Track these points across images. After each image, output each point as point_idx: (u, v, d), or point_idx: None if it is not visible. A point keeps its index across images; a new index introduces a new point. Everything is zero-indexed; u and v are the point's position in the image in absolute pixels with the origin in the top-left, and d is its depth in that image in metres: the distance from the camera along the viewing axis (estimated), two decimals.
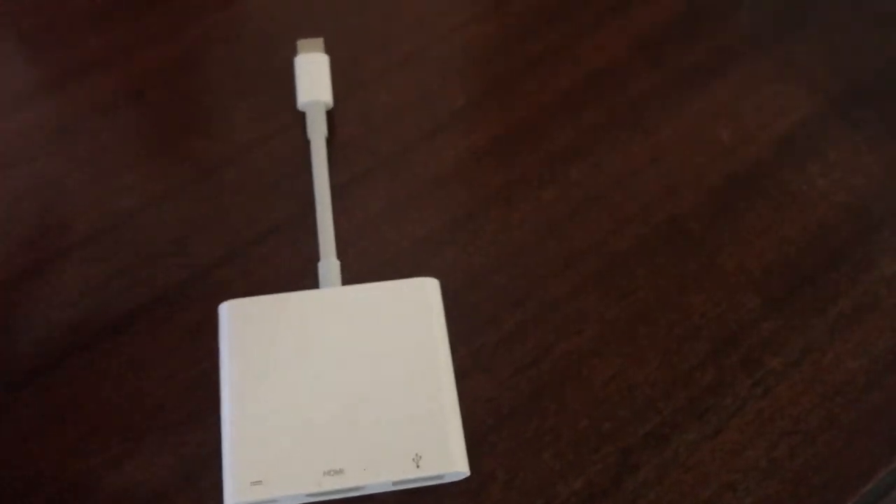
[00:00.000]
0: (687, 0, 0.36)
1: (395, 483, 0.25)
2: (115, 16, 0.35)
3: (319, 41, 0.33)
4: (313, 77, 0.32)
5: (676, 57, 0.34)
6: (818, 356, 0.28)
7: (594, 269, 0.30)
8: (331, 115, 0.33)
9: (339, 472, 0.24)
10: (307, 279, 0.29)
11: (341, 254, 0.30)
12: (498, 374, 0.28)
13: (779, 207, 0.31)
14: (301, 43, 0.33)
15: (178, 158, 0.31)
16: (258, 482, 0.24)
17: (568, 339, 0.29)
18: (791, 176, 0.32)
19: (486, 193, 0.31)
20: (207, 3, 0.35)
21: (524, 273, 0.30)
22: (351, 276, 0.29)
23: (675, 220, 0.31)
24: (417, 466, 0.24)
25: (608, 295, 0.29)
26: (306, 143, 0.32)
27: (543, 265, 0.30)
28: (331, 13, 0.35)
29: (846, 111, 0.33)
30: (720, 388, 0.28)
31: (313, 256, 0.29)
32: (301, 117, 0.32)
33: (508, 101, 0.33)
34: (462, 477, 0.25)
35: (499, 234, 0.30)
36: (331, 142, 0.32)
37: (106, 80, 0.33)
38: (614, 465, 0.27)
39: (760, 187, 0.32)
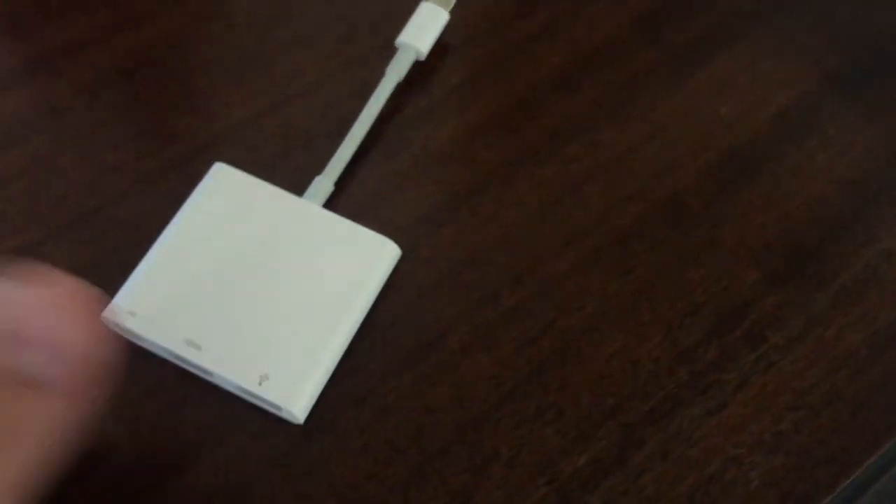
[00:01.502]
0: None
1: (238, 388, 0.26)
2: None
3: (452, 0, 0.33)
4: (425, 27, 0.33)
5: (673, 33, 0.34)
6: (821, 330, 0.28)
7: (594, 246, 0.29)
8: (324, 94, 0.32)
9: (197, 347, 0.26)
10: None
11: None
12: (499, 351, 0.28)
13: (778, 182, 0.31)
14: None
15: (169, 137, 0.31)
16: (132, 313, 0.26)
17: (569, 315, 0.28)
18: (790, 151, 0.32)
19: (485, 170, 0.31)
20: None
21: (524, 250, 0.29)
22: None
23: (674, 195, 0.31)
24: (259, 384, 0.25)
25: (609, 271, 0.29)
26: (374, 80, 0.32)
27: (543, 242, 0.30)
28: None
29: (843, 86, 0.33)
30: (723, 364, 0.28)
31: None
32: (298, 96, 0.32)
33: (505, 78, 0.33)
34: (296, 422, 0.26)
35: (498, 211, 0.30)
36: (325, 119, 0.31)
37: (95, 58, 0.32)
38: (618, 441, 0.26)
39: (760, 162, 0.31)
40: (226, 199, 0.28)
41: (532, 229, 0.30)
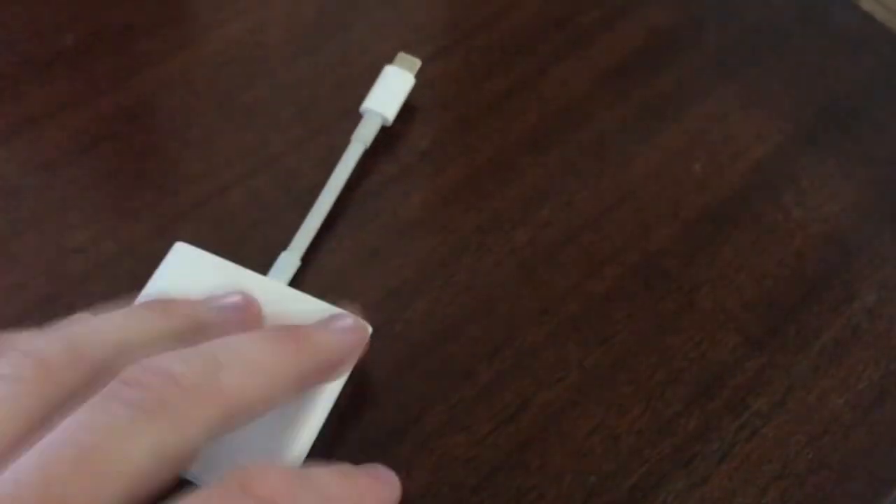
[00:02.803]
0: (648, 30, 0.35)
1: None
2: (58, 67, 0.33)
3: (417, 62, 0.33)
4: (391, 91, 0.32)
5: (641, 88, 0.34)
6: (803, 394, 0.28)
7: (571, 314, 0.29)
8: (288, 164, 0.31)
9: None
10: None
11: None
12: (476, 431, 0.27)
13: (756, 240, 0.30)
14: (400, 56, 0.33)
15: (130, 215, 0.30)
16: None
17: (548, 388, 0.28)
18: (766, 206, 0.31)
19: (457, 238, 0.30)
20: (155, 51, 0.34)
21: (500, 321, 0.29)
22: None
23: (650, 258, 0.30)
24: None
25: (587, 340, 0.28)
26: (340, 148, 0.31)
27: (519, 312, 0.29)
28: (286, 56, 0.34)
29: (815, 137, 0.33)
30: (706, 434, 0.27)
31: None
32: (262, 168, 0.31)
33: (474, 141, 0.32)
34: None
35: (472, 281, 0.29)
36: (291, 191, 0.31)
37: (51, 133, 0.31)
38: None
39: (736, 220, 0.31)
40: (188, 280, 0.27)
41: (507, 299, 0.29)
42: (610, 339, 0.28)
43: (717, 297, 0.29)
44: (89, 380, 0.20)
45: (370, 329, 0.26)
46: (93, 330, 0.22)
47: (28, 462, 0.17)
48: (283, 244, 0.29)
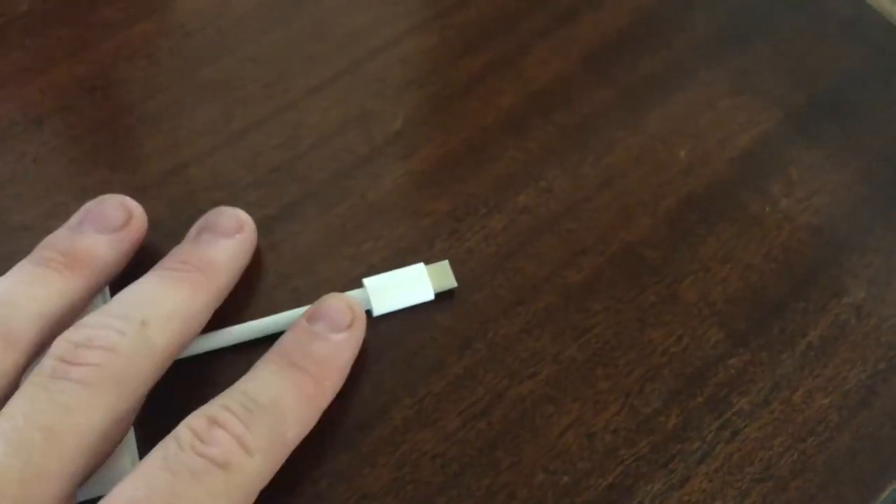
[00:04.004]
0: (635, 10, 0.34)
1: None
2: (11, 34, 0.31)
3: (449, 283, 0.27)
4: (399, 287, 0.27)
5: (626, 71, 0.32)
6: (788, 394, 0.27)
7: (547, 305, 0.27)
8: (253, 141, 0.30)
9: None
10: None
11: (273, 290, 0.27)
12: (445, 426, 0.25)
13: (741, 232, 0.29)
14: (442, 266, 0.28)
15: (82, 193, 0.28)
16: None
17: (520, 383, 0.26)
18: (753, 196, 0.30)
19: (429, 223, 0.29)
20: (115, 19, 0.32)
21: (471, 311, 0.27)
22: None
23: (631, 248, 0.29)
24: None
25: (563, 333, 0.27)
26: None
27: (492, 302, 0.27)
28: (254, 28, 0.32)
29: (805, 125, 0.32)
30: (686, 433, 0.26)
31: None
32: (224, 145, 0.29)
33: (449, 122, 0.31)
34: None
35: None
36: (255, 169, 0.29)
37: (2, 105, 0.30)
38: None
39: (721, 210, 0.29)
40: None
41: (480, 288, 0.28)
42: (587, 332, 0.27)
43: (700, 289, 0.28)
44: (27, 359, 0.22)
45: (252, 225, 0.26)
46: (13, 312, 0.22)
47: None
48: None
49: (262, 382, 0.23)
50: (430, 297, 0.27)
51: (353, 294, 0.26)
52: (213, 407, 0.21)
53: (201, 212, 0.28)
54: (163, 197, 0.28)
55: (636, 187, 0.30)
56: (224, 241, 0.25)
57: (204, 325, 0.24)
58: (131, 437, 0.24)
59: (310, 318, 0.25)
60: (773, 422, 0.26)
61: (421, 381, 0.26)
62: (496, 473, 0.25)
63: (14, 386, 0.21)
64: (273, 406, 0.22)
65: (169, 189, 0.28)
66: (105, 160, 0.29)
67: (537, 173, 0.30)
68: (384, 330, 0.27)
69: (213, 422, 0.21)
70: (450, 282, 0.27)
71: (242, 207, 0.28)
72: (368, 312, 0.26)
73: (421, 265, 0.27)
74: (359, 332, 0.25)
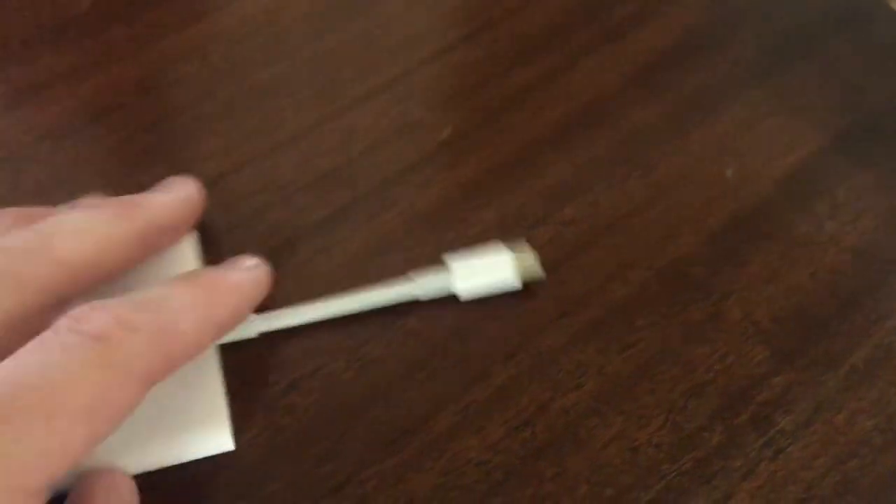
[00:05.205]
0: (683, 28, 0.34)
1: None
2: (71, 32, 0.32)
3: (535, 272, 0.28)
4: (483, 271, 0.27)
5: (674, 88, 0.32)
6: (831, 415, 0.27)
7: (592, 319, 0.28)
8: (304, 146, 0.30)
9: None
10: None
11: (323, 294, 0.27)
12: (490, 434, 0.26)
13: (786, 252, 0.29)
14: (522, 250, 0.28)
15: (139, 189, 0.29)
16: None
17: (565, 395, 0.26)
18: (798, 217, 0.30)
19: (476, 233, 0.29)
20: (171, 21, 0.32)
21: (517, 322, 0.27)
22: None
23: (677, 264, 0.29)
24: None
25: (608, 347, 0.27)
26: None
27: (537, 313, 0.28)
28: (305, 34, 0.33)
29: (851, 147, 0.32)
30: (729, 450, 0.26)
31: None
32: (277, 148, 0.30)
33: (497, 133, 0.31)
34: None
35: None
36: (305, 174, 0.29)
37: (60, 101, 0.30)
38: None
39: (766, 229, 0.30)
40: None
41: (525, 299, 0.28)
42: (632, 346, 0.27)
43: (745, 308, 0.28)
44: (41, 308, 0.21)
45: (197, 190, 0.26)
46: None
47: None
48: (296, 229, 0.28)
49: (147, 290, 0.22)
50: (518, 286, 0.27)
51: (433, 274, 0.27)
52: (92, 302, 0.20)
53: (251, 214, 0.28)
54: (214, 198, 0.29)
55: (682, 204, 0.30)
56: (160, 194, 0.25)
57: (129, 258, 0.24)
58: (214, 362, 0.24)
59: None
60: (817, 442, 0.26)
61: (466, 390, 0.26)
62: (540, 483, 0.25)
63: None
64: (162, 300, 0.21)
65: (221, 190, 0.29)
66: (159, 159, 0.29)
67: (584, 187, 0.30)
68: (429, 337, 0.27)
69: (93, 307, 0.20)
70: (537, 272, 0.28)
71: (293, 211, 0.28)
72: (454, 296, 0.27)
73: (505, 250, 0.28)
74: (262, 273, 0.24)
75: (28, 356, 0.19)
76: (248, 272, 0.24)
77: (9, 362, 0.19)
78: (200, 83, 0.31)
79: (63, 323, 0.19)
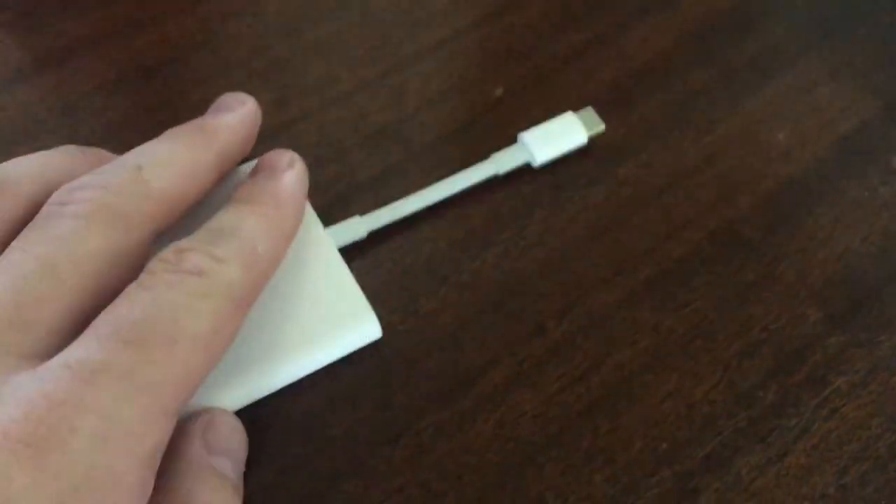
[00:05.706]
0: None
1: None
2: None
3: (600, 127, 0.30)
4: (557, 139, 0.29)
5: (728, 52, 0.32)
6: (886, 376, 0.26)
7: (647, 277, 0.28)
8: (358, 102, 0.30)
9: None
10: None
11: (364, 242, 0.27)
12: (544, 388, 0.26)
13: (840, 216, 0.29)
14: (587, 111, 0.30)
15: None
16: None
17: (620, 351, 0.26)
18: (851, 182, 0.30)
19: (530, 191, 0.29)
20: None
21: (571, 279, 0.27)
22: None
23: (731, 225, 0.29)
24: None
25: (663, 305, 0.27)
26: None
27: (592, 271, 0.28)
28: None
29: None
30: (784, 409, 0.26)
31: None
32: (330, 104, 0.30)
33: (550, 93, 0.31)
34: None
35: (543, 236, 0.28)
36: (360, 130, 0.29)
37: (113, 55, 0.30)
38: (672, 490, 0.24)
39: (820, 193, 0.29)
40: None
41: (580, 257, 0.28)
42: (687, 305, 0.27)
43: (798, 269, 0.28)
44: (23, 212, 0.22)
45: (254, 103, 0.26)
46: (14, 166, 0.22)
47: None
48: (349, 185, 0.28)
49: (218, 219, 0.22)
50: (584, 141, 0.29)
51: (508, 149, 0.29)
52: (174, 244, 0.21)
53: (308, 167, 0.28)
54: (266, 150, 0.29)
55: (736, 167, 0.30)
56: (224, 114, 0.25)
57: (209, 184, 0.24)
58: (338, 260, 0.25)
59: (253, 173, 0.25)
60: (872, 402, 0.26)
61: (521, 344, 0.26)
62: (594, 437, 0.25)
63: None
64: (236, 228, 0.22)
65: (277, 144, 0.29)
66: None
67: (638, 148, 0.30)
68: (484, 291, 0.27)
69: (180, 250, 0.20)
70: (599, 126, 0.29)
71: (347, 166, 0.28)
72: (528, 165, 0.29)
73: (570, 113, 0.29)
74: (301, 167, 0.25)
75: (139, 293, 0.19)
76: (294, 172, 0.25)
77: (122, 299, 0.19)
78: (254, 38, 0.31)
79: (158, 265, 0.20)
